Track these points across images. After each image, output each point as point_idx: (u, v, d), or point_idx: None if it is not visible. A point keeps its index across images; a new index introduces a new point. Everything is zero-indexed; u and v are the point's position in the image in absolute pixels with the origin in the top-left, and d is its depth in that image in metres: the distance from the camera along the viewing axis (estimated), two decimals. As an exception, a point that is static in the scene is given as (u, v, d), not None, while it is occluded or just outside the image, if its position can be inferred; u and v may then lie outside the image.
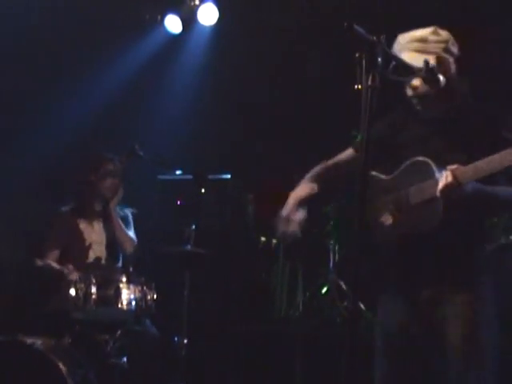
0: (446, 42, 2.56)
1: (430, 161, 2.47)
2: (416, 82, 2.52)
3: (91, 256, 4.27)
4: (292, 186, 2.90)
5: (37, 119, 5.39)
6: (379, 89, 2.01)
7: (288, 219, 2.67)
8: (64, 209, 4.40)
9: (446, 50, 2.56)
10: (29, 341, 3.49)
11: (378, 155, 2.59)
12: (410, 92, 2.58)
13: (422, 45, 2.53)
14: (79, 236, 4.31)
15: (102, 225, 4.39)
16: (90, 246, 4.29)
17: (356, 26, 1.99)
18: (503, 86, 4.80)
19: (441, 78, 2.44)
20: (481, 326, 2.48)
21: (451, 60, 2.58)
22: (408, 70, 2.34)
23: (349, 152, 2.83)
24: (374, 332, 2.67)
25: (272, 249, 5.67)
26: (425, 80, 2.46)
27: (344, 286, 5.21)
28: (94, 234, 4.35)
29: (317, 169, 2.88)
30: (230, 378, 4.78)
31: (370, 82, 2.00)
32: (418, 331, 2.54)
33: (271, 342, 4.74)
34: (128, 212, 4.54)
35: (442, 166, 2.41)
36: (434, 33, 2.56)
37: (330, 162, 2.88)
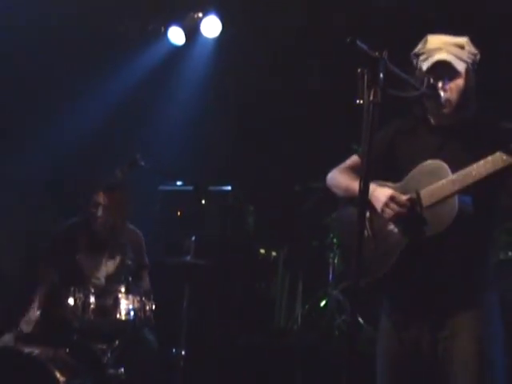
0: (475, 55, 2.58)
1: (442, 162, 2.44)
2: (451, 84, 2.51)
3: (90, 290, 3.85)
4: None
5: (39, 131, 5.39)
6: (380, 104, 2.02)
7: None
8: (60, 232, 4.21)
9: (474, 64, 2.58)
10: (26, 350, 3.47)
11: (384, 162, 2.62)
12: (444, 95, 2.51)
13: (460, 50, 2.53)
14: (78, 269, 4.12)
15: (102, 256, 4.20)
16: (88, 280, 4.06)
17: (358, 42, 2.01)
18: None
19: (442, 94, 2.46)
20: (490, 341, 2.47)
21: (473, 74, 2.58)
22: (409, 86, 2.36)
23: (355, 159, 2.80)
24: (374, 347, 2.66)
25: (272, 261, 5.67)
26: (426, 96, 2.47)
27: (343, 300, 5.21)
28: (93, 266, 4.18)
29: (342, 174, 2.77)
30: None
31: (371, 97, 2.02)
32: (426, 346, 2.50)
33: (270, 354, 4.74)
34: (138, 232, 4.39)
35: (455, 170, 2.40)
36: (468, 43, 2.57)
37: (345, 167, 2.80)
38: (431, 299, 2.49)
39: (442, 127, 2.58)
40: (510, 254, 4.69)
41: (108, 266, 4.23)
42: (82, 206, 4.31)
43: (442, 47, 2.52)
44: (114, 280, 4.14)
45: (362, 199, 2.07)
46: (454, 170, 2.40)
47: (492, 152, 2.33)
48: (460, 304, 2.47)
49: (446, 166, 2.43)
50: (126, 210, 4.27)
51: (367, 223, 2.59)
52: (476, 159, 2.36)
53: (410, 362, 2.53)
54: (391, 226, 2.53)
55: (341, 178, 2.75)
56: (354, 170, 2.73)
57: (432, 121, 2.61)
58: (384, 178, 2.62)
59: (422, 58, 2.54)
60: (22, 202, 5.18)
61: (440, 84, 2.46)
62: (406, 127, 2.68)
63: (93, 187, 4.25)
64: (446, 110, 2.53)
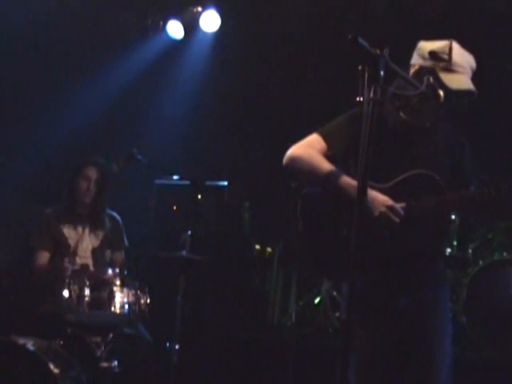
0: None
1: (437, 176, 2.57)
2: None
3: (77, 262, 4.21)
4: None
5: (36, 123, 5.39)
6: (380, 101, 2.03)
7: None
8: (47, 211, 4.35)
9: None
10: (21, 342, 3.47)
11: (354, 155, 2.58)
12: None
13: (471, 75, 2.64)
14: (63, 241, 4.27)
15: (87, 230, 4.34)
16: (75, 252, 4.24)
17: (360, 39, 2.01)
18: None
19: (441, 93, 2.47)
20: (448, 318, 2.75)
21: None
22: (410, 85, 2.37)
23: (320, 145, 2.72)
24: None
25: (267, 257, 5.68)
26: (425, 95, 2.48)
27: (337, 297, 5.21)
28: (79, 239, 4.31)
29: (324, 161, 2.68)
30: (220, 385, 4.78)
31: (371, 95, 2.02)
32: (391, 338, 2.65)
33: (264, 350, 4.75)
34: (117, 215, 4.51)
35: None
36: None
37: (318, 152, 2.70)
38: (404, 297, 2.65)
39: (420, 128, 2.68)
40: (504, 254, 4.72)
41: (92, 240, 4.35)
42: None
43: (467, 68, 2.60)
44: (98, 254, 4.30)
45: (360, 199, 2.08)
46: (441, 178, 2.59)
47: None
48: (428, 293, 2.67)
49: (440, 181, 2.56)
50: (109, 190, 4.41)
51: (344, 221, 2.63)
52: (446, 159, 2.62)
53: (382, 354, 2.64)
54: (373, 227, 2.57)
55: (327, 167, 2.63)
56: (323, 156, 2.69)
57: (412, 120, 2.68)
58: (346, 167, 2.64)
59: (442, 64, 2.57)
60: (16, 194, 5.17)
61: (454, 100, 2.56)
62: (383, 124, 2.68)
63: (82, 161, 4.37)
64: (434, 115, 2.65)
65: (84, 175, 4.31)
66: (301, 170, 2.70)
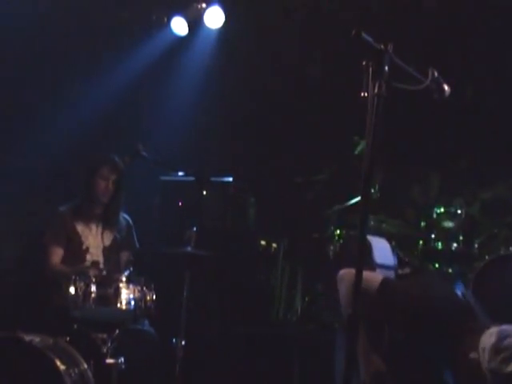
0: None
1: None
2: None
3: (88, 259, 4.25)
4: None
5: (41, 119, 5.39)
6: (385, 97, 2.03)
7: None
8: (62, 209, 4.38)
9: None
10: (27, 338, 3.48)
11: None
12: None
13: None
14: (76, 238, 4.30)
15: (100, 229, 4.38)
16: (87, 250, 4.29)
17: (364, 34, 2.01)
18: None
19: (446, 87, 2.47)
20: None
21: None
22: (414, 80, 2.36)
23: None
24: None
25: (272, 252, 5.68)
26: (430, 89, 2.47)
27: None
28: (92, 237, 4.35)
29: None
30: (226, 380, 4.79)
31: (376, 90, 2.02)
32: None
33: (269, 345, 4.75)
34: (129, 218, 4.54)
35: None
36: None
37: None
38: None
39: None
40: (510, 249, 4.70)
41: (104, 239, 4.38)
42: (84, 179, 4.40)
43: None
44: (109, 254, 4.33)
45: (365, 196, 2.08)
46: None
47: None
48: None
49: None
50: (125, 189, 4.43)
51: None
52: None
53: None
54: None
55: None
56: None
57: None
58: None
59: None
60: (22, 190, 5.19)
61: None
62: None
63: (100, 160, 4.38)
64: None
65: (102, 174, 4.32)
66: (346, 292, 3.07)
